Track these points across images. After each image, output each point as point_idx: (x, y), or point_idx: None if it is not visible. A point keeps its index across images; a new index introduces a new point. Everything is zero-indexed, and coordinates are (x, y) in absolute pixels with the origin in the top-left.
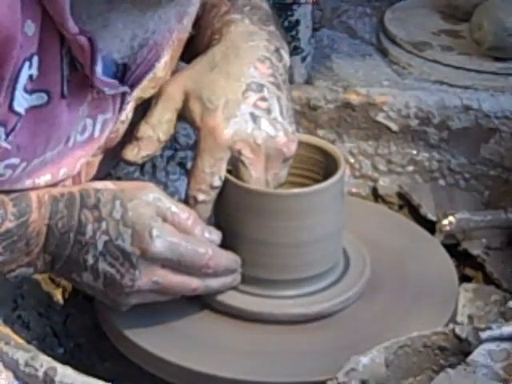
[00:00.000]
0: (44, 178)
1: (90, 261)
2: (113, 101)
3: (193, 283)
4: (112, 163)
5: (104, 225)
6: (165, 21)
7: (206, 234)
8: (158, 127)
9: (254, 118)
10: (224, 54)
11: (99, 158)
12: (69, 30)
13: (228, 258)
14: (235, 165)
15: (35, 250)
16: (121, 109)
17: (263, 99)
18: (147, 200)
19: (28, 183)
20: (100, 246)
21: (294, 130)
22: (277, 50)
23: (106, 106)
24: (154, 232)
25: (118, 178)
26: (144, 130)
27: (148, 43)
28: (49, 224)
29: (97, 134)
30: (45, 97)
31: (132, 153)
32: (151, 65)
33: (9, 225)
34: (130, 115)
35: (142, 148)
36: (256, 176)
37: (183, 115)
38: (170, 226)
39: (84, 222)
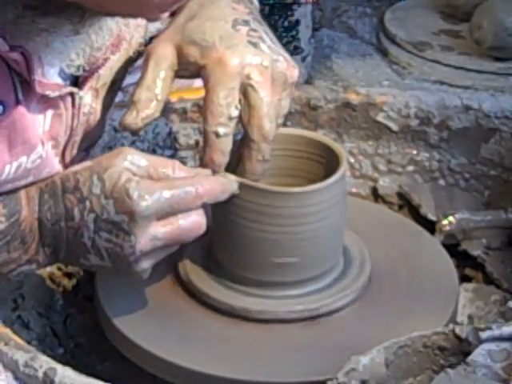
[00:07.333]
0: (25, 181)
1: (88, 243)
2: (61, 99)
3: (195, 219)
4: None
5: (88, 203)
6: (107, 30)
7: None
8: (153, 87)
9: (254, 44)
10: (199, 4)
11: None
12: None
13: (220, 180)
14: (245, 91)
15: (32, 246)
16: (73, 104)
17: (253, 30)
18: (123, 165)
19: (8, 187)
20: (91, 226)
21: (290, 58)
22: None
23: (55, 103)
24: (131, 191)
25: None
26: (139, 92)
27: (95, 51)
28: (39, 217)
29: (46, 127)
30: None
31: (131, 116)
32: (105, 60)
33: (0, 226)
34: (101, 98)
35: (141, 109)
36: (266, 100)
37: (180, 69)
38: (146, 180)
39: (70, 206)
